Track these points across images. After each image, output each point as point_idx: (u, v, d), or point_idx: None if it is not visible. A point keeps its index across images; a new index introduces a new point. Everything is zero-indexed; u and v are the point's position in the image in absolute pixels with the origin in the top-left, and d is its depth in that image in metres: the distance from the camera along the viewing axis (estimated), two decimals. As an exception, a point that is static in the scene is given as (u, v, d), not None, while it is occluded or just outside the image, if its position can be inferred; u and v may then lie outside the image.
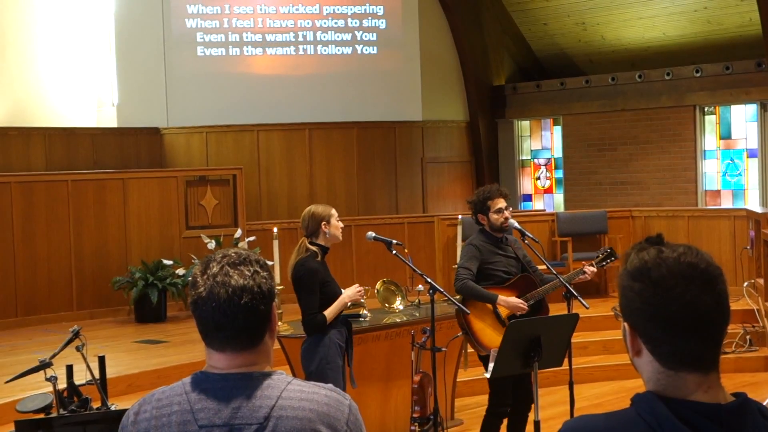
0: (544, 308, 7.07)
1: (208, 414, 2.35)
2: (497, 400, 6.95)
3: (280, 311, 9.17)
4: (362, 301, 6.72)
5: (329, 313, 6.29)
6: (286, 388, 2.37)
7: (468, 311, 6.60)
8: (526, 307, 6.83)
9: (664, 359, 1.95)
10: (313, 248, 6.44)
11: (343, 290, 6.42)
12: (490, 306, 6.89)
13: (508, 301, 6.84)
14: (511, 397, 6.99)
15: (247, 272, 2.39)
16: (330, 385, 2.47)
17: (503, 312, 6.90)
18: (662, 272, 1.93)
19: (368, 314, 8.05)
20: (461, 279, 6.87)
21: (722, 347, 1.98)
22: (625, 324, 2.01)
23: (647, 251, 1.98)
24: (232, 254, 2.43)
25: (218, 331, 2.38)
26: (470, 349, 7.18)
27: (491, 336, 6.89)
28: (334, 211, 6.53)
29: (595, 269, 6.94)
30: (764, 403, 2.01)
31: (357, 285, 6.49)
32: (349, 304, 6.47)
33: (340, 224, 6.54)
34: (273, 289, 2.44)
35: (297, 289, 6.38)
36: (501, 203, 6.95)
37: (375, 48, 16.56)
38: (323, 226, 6.47)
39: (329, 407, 2.38)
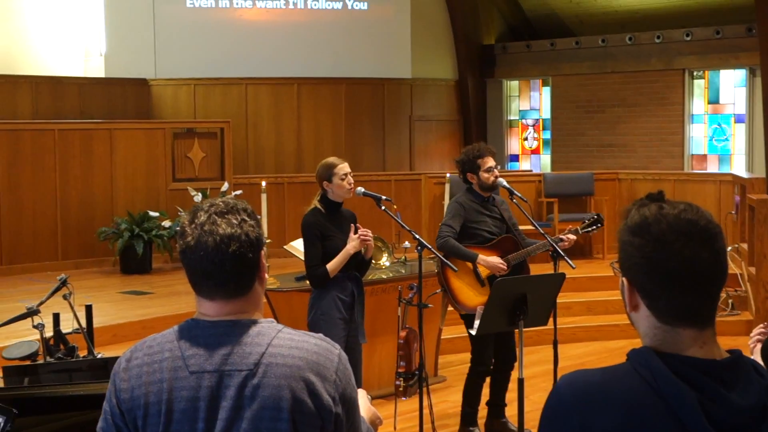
0: (525, 271, 7.08)
1: (199, 360, 2.37)
2: (478, 358, 7.00)
3: (267, 265, 9.18)
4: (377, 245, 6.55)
5: (332, 265, 6.25)
6: (277, 336, 2.39)
7: (456, 268, 6.61)
8: (505, 267, 6.83)
9: (661, 314, 1.97)
10: (317, 204, 6.43)
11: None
12: (470, 265, 6.90)
13: (488, 260, 6.84)
14: (491, 356, 7.03)
15: (234, 221, 2.40)
16: (320, 335, 2.49)
17: (483, 272, 6.91)
18: (662, 228, 1.94)
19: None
20: (443, 236, 6.88)
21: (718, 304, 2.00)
22: (624, 279, 2.02)
23: (648, 207, 1.99)
24: (220, 203, 2.44)
25: (207, 279, 2.40)
26: (450, 308, 7.19)
27: (469, 295, 6.92)
28: (340, 168, 6.39)
29: (574, 237, 6.92)
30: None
31: (362, 231, 6.34)
32: (362, 251, 6.41)
33: (346, 182, 6.39)
34: (261, 237, 2.45)
35: None
36: (491, 162, 6.95)
37: (365, 3, 16.48)
38: (324, 185, 6.44)
39: (319, 356, 2.40)
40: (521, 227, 7.25)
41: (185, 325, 2.44)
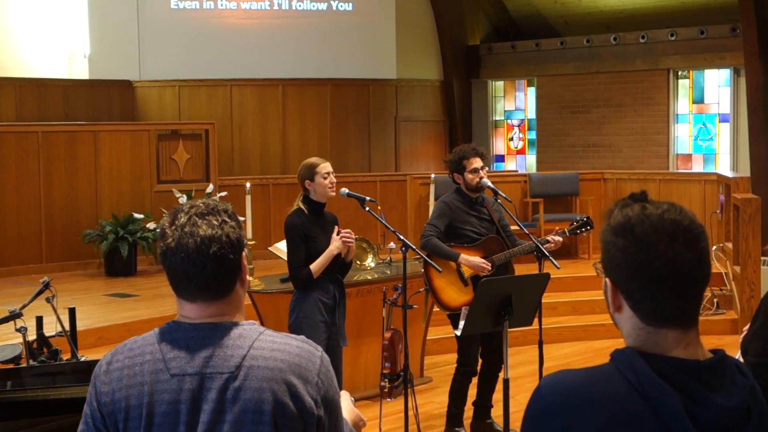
0: (510, 271, 7.08)
1: (180, 363, 2.35)
2: (464, 358, 6.99)
3: (251, 266, 9.15)
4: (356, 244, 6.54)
5: (315, 266, 6.23)
6: (258, 338, 2.38)
7: (440, 269, 6.60)
8: (488, 267, 6.83)
9: (644, 315, 1.96)
10: (301, 204, 6.41)
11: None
12: (453, 264, 6.89)
13: (470, 260, 6.83)
14: (477, 356, 7.03)
15: (215, 222, 2.38)
16: (302, 337, 2.47)
17: (466, 271, 6.91)
18: (645, 228, 1.94)
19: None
20: (426, 236, 6.87)
21: (702, 304, 1.99)
22: (607, 279, 2.01)
23: (631, 207, 1.98)
24: (200, 205, 2.43)
25: (188, 281, 2.38)
26: (436, 308, 7.18)
27: (451, 294, 6.91)
28: (322, 167, 6.37)
29: (560, 239, 6.92)
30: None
31: (345, 232, 6.35)
32: (343, 253, 6.37)
33: (328, 181, 6.40)
34: (242, 239, 2.43)
35: None
36: (477, 163, 6.93)
37: (351, 4, 16.46)
38: (306, 184, 6.41)
39: (301, 358, 2.38)
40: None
41: (166, 328, 2.42)
